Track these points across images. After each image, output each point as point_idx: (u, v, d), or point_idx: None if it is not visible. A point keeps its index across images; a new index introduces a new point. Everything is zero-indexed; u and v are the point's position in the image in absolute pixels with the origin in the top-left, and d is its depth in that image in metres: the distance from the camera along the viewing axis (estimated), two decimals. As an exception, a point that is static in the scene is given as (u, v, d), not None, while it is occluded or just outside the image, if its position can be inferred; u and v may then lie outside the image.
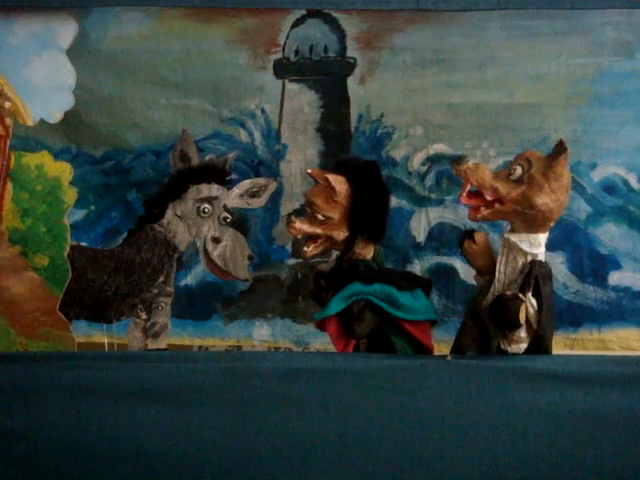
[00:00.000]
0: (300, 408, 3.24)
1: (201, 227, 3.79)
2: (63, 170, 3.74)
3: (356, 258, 3.48)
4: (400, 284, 3.48)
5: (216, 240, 3.78)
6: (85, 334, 4.00)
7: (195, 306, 4.27)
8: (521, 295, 3.25)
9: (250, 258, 3.83)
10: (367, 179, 3.48)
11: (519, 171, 3.29)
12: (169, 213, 3.77)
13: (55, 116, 4.07)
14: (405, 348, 3.46)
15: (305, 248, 3.53)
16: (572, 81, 4.12)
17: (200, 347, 4.27)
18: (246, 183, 3.87)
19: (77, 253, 3.75)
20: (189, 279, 4.24)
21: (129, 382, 3.27)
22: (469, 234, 3.42)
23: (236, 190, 3.83)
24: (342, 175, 3.47)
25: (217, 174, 3.80)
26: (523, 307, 3.23)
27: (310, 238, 3.52)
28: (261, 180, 3.92)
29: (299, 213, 3.94)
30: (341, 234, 3.46)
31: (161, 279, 3.79)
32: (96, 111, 4.18)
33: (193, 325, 4.25)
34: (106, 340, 3.87)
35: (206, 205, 3.77)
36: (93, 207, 4.26)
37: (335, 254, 3.63)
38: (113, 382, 3.27)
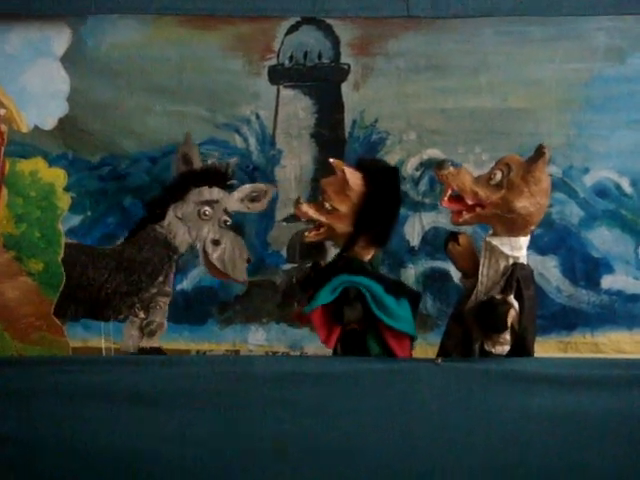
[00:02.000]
0: (294, 412, 3.26)
1: (201, 229, 3.80)
2: (57, 176, 3.74)
3: (353, 257, 3.50)
4: (388, 286, 3.48)
5: (216, 242, 3.80)
6: (80, 338, 4.02)
7: (191, 310, 4.26)
8: (510, 299, 3.27)
9: (248, 261, 3.85)
10: (385, 183, 3.49)
11: (499, 176, 3.33)
12: (170, 214, 3.78)
13: (49, 123, 4.09)
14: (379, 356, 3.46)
15: (306, 233, 3.55)
16: (565, 86, 4.12)
17: (198, 352, 4.27)
18: (247, 188, 3.89)
19: (77, 251, 3.76)
20: (185, 283, 4.23)
21: (124, 386, 3.28)
22: (453, 236, 3.45)
23: (237, 194, 3.84)
24: (361, 172, 3.49)
25: (219, 178, 3.83)
26: (511, 311, 3.25)
27: (314, 226, 3.53)
28: (261, 185, 3.93)
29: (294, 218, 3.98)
30: (342, 227, 3.46)
31: (160, 279, 3.80)
32: (91, 118, 4.18)
33: (189, 329, 4.24)
34: (103, 344, 3.88)
35: (207, 208, 3.79)
36: (89, 213, 4.24)
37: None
38: (108, 386, 3.28)
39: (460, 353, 3.40)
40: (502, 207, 3.30)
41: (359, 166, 3.55)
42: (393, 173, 3.58)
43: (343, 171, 3.46)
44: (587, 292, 4.15)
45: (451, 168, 3.36)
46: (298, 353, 4.22)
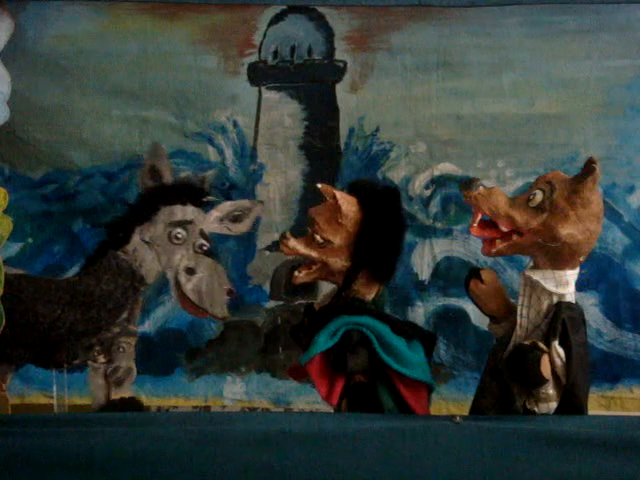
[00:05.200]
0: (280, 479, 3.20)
1: (173, 255, 3.73)
2: (-4, 196, 3.69)
3: (353, 296, 3.44)
4: (396, 327, 3.43)
5: (190, 271, 3.72)
6: (19, 394, 3.97)
7: (154, 358, 4.20)
8: (541, 344, 3.21)
9: (229, 293, 3.77)
10: (383, 206, 3.41)
11: (540, 196, 3.22)
12: (135, 238, 3.71)
13: (-15, 132, 4.07)
14: (393, 412, 3.38)
15: (296, 272, 3.46)
16: (605, 87, 4.14)
17: (159, 408, 4.23)
18: (227, 205, 3.82)
19: (24, 283, 3.65)
20: (147, 326, 4.18)
21: (75, 451, 3.20)
22: (475, 272, 3.37)
23: (215, 213, 3.78)
24: (355, 197, 3.44)
25: (193, 194, 3.76)
26: (545, 359, 3.17)
27: (305, 262, 3.47)
28: (245, 202, 3.86)
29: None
30: (338, 262, 3.38)
31: (124, 316, 3.71)
32: (34, 125, 4.15)
33: (152, 381, 4.19)
34: (55, 401, 3.82)
35: (179, 230, 3.71)
36: (30, 240, 4.22)
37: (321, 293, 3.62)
38: (56, 451, 3.20)
39: (499, 413, 3.32)
40: (544, 234, 3.19)
41: (352, 190, 3.48)
42: (393, 195, 3.53)
43: (334, 196, 3.42)
44: (634, 336, 4.14)
45: (481, 188, 3.24)
46: (283, 409, 4.20)
